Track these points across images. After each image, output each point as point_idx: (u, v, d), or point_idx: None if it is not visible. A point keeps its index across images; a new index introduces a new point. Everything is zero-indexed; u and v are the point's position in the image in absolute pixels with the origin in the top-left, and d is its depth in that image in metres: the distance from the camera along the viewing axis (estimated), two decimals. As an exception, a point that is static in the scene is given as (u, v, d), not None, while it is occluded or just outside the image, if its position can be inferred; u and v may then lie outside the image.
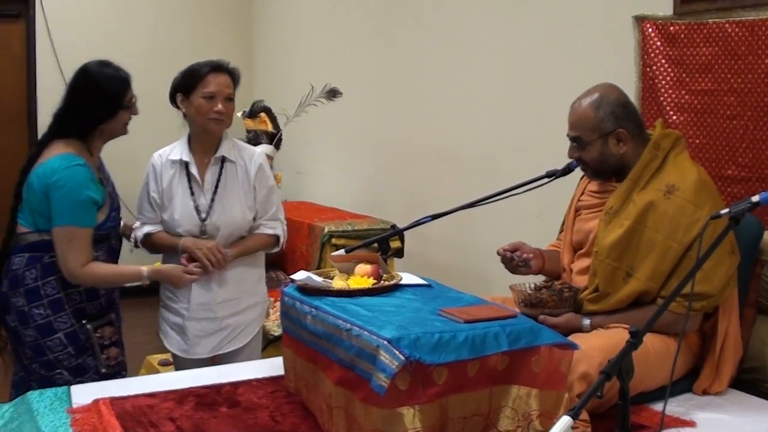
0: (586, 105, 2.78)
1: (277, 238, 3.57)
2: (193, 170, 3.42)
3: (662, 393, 2.13)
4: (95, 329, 3.24)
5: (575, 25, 3.80)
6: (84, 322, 3.21)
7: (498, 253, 3.01)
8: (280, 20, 7.20)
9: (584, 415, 2.32)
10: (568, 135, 2.84)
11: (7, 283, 3.20)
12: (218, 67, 3.39)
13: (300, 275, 2.62)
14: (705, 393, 2.69)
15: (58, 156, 3.14)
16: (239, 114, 4.54)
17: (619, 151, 2.76)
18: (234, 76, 3.43)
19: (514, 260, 2.98)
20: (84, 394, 2.71)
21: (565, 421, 1.67)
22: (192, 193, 3.42)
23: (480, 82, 4.45)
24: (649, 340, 2.51)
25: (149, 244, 3.49)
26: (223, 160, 3.43)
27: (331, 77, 4.45)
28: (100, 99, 3.18)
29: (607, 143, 2.76)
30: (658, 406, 2.52)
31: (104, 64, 3.25)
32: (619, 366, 1.83)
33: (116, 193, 3.44)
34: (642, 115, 2.97)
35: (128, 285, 3.33)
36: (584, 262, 2.88)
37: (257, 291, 3.62)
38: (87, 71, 3.23)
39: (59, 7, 7.06)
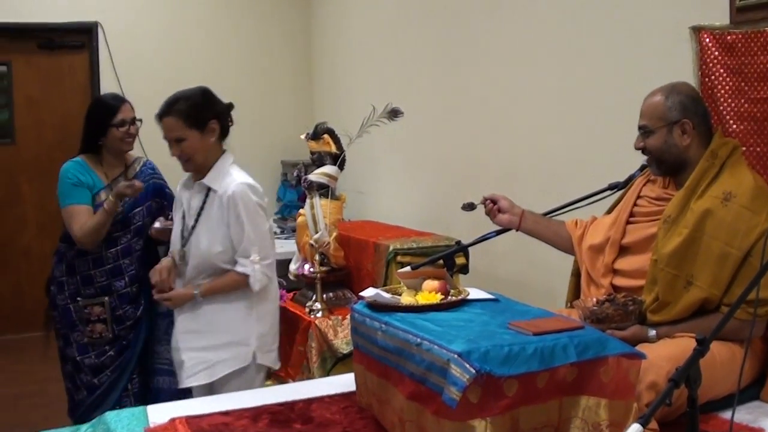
0: (658, 93, 2.84)
1: (246, 277, 3.40)
2: (184, 195, 3.53)
3: (729, 401, 2.13)
4: (84, 306, 3.93)
5: (633, 37, 3.81)
6: (78, 299, 3.94)
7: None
8: (340, 41, 7.27)
9: (653, 424, 2.34)
10: (638, 126, 2.88)
11: None
12: (161, 114, 3.40)
13: (369, 292, 2.67)
14: (773, 400, 2.68)
15: None
16: (302, 136, 4.60)
17: (683, 143, 2.79)
18: (179, 114, 3.38)
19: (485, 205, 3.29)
20: (160, 413, 2.78)
21: (635, 428, 1.68)
22: (183, 218, 3.53)
23: (541, 97, 4.46)
24: (715, 347, 2.50)
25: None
26: (209, 188, 3.44)
27: (391, 96, 4.48)
28: (92, 120, 3.96)
29: (672, 133, 2.79)
30: (726, 414, 2.51)
31: (108, 95, 4.24)
32: (687, 373, 1.84)
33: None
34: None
35: None
36: (630, 262, 2.90)
37: (237, 331, 3.46)
38: (92, 101, 4.30)
39: (121, 37, 7.19)
